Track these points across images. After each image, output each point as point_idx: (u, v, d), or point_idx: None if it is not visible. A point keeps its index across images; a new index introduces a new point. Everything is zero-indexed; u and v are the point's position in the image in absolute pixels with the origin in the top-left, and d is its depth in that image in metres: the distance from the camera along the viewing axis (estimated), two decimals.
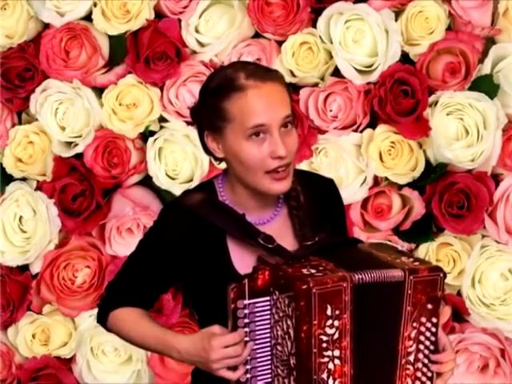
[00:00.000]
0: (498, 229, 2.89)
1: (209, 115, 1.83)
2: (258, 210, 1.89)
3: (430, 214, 2.88)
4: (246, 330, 1.71)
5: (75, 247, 3.04)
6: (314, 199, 1.94)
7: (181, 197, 1.96)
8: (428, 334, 1.79)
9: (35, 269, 3.07)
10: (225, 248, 1.86)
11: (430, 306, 1.78)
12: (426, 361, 1.80)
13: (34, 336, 3.07)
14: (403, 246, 2.91)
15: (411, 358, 1.78)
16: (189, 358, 1.80)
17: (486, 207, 2.87)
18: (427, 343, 1.79)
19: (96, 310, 2.93)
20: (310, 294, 1.64)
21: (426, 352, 1.79)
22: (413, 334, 1.77)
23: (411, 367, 1.78)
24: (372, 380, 1.76)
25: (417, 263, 1.80)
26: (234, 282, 1.69)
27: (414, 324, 1.77)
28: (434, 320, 1.79)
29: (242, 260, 1.84)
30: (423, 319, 1.78)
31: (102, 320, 2.01)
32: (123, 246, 2.97)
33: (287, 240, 1.88)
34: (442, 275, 1.77)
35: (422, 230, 2.92)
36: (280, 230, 1.89)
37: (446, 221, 2.87)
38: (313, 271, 1.69)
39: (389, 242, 2.84)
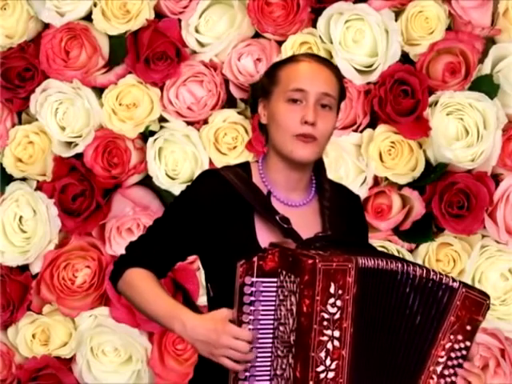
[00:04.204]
0: (498, 229, 2.89)
1: (264, 81, 1.98)
2: (288, 190, 1.95)
3: (430, 214, 2.88)
4: (251, 308, 1.72)
5: (75, 247, 3.04)
6: (342, 208, 1.98)
7: (219, 168, 2.03)
8: (459, 353, 1.78)
9: (35, 269, 3.06)
10: (252, 223, 1.90)
11: (468, 328, 1.77)
12: (448, 380, 1.78)
13: (34, 336, 3.07)
14: (403, 245, 2.91)
15: (438, 368, 1.77)
16: (192, 335, 1.78)
17: (486, 207, 2.88)
18: (455, 362, 1.78)
19: (96, 310, 3.03)
20: (316, 269, 1.65)
21: (452, 371, 1.78)
22: (447, 346, 1.77)
23: (435, 378, 1.78)
24: (372, 371, 1.74)
25: None
26: (243, 258, 1.71)
27: (452, 336, 1.77)
28: (468, 343, 1.78)
29: (268, 238, 1.87)
30: (460, 337, 1.77)
31: (116, 278, 1.98)
32: (123, 246, 2.92)
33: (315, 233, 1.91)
34: (488, 302, 1.80)
35: (422, 230, 2.92)
36: (308, 220, 1.93)
37: (446, 221, 2.87)
38: (320, 252, 1.72)
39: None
